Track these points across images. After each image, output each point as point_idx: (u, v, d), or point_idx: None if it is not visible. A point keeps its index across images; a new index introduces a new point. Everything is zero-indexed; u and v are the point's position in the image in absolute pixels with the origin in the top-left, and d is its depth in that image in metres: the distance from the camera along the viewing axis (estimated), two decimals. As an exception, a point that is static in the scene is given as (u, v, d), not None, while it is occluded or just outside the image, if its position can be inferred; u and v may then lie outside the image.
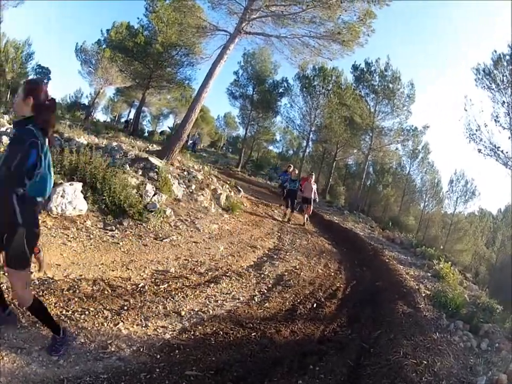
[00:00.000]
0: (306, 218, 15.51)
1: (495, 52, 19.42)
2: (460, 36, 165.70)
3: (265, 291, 6.72)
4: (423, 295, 7.79)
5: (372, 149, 30.56)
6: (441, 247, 20.68)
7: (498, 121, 19.11)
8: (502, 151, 18.92)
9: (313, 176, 16.02)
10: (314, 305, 6.40)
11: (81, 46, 36.39)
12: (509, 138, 18.61)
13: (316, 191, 15.63)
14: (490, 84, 19.49)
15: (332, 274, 8.92)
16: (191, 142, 37.79)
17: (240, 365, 4.00)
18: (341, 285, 8.05)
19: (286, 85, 36.78)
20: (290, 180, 16.17)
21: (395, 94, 29.21)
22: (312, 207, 15.81)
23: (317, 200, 16.37)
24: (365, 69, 30.77)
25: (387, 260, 10.91)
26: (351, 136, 31.15)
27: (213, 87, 15.43)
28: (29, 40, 38.72)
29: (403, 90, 29.34)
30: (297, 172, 16.85)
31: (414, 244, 16.19)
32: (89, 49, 36.29)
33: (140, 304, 4.96)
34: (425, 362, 4.35)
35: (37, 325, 3.80)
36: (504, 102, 18.94)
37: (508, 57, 18.85)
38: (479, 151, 19.61)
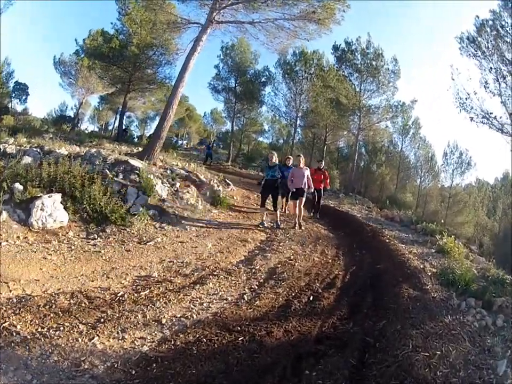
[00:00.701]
0: (297, 221, 11.77)
1: (478, 17, 19.11)
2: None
3: (256, 287, 6.27)
4: (429, 274, 7.31)
5: (361, 129, 30.36)
6: (442, 221, 20.34)
7: (488, 88, 18.82)
8: (495, 117, 18.60)
9: (302, 159, 11.98)
10: (311, 298, 5.89)
11: (59, 58, 36.06)
12: (501, 103, 18.31)
13: (309, 178, 11.81)
14: (476, 51, 19.19)
15: (329, 261, 8.44)
16: (205, 147, 33.94)
17: (224, 376, 3.54)
18: (340, 272, 7.56)
19: (267, 74, 36.78)
20: (267, 167, 11.73)
21: (379, 71, 29.00)
22: (304, 201, 11.99)
23: (327, 188, 15.67)
24: (345, 49, 30.58)
25: (387, 240, 10.50)
26: (338, 118, 30.83)
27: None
28: (8, 59, 38.59)
29: (387, 67, 29.14)
30: (288, 159, 13.35)
31: (414, 220, 15.86)
32: (67, 60, 35.96)
33: (117, 315, 4.62)
34: (438, 353, 3.88)
35: (13, 345, 3.70)
36: (491, 68, 18.67)
37: (490, 22, 18.55)
38: (471, 119, 19.32)
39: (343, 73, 30.83)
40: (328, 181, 15.42)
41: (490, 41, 18.57)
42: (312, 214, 14.66)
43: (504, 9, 17.93)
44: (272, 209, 12.18)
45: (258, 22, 16.28)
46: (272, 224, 11.62)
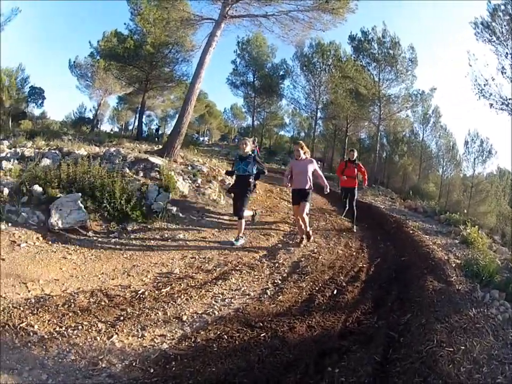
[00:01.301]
0: (304, 232, 8.85)
1: (490, 2, 18.85)
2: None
3: (279, 282, 6.20)
4: (453, 265, 7.22)
5: (382, 119, 30.22)
6: (465, 211, 20.14)
7: (505, 73, 18.58)
8: (514, 103, 18.32)
9: (302, 148, 8.87)
10: (335, 291, 5.80)
11: (74, 61, 36.59)
12: (520, 88, 18.15)
13: (319, 174, 9.01)
14: (491, 36, 19.05)
15: (354, 254, 8.38)
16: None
17: (244, 374, 3.45)
18: (364, 265, 7.47)
19: (285, 67, 36.89)
20: (239, 159, 8.78)
21: (397, 59, 28.89)
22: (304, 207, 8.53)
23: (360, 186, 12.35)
24: (362, 38, 30.53)
25: (411, 231, 10.40)
26: (358, 108, 30.75)
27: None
28: (22, 65, 39.23)
29: (404, 55, 29.04)
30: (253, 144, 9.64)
31: (437, 211, 15.84)
32: (83, 63, 36.45)
33: (137, 313, 4.60)
34: (462, 347, 3.78)
35: (29, 345, 3.68)
36: (507, 53, 18.66)
37: (502, 7, 18.32)
38: (491, 106, 19.18)
39: (361, 63, 30.79)
40: (366, 176, 11.85)
41: (504, 26, 18.38)
42: (351, 224, 11.07)
43: (515, -7, 17.71)
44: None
45: (272, 14, 16.29)
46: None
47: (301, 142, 9.38)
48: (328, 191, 8.65)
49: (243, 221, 8.61)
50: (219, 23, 15.44)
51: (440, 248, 8.92)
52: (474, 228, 10.51)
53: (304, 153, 8.86)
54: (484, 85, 19.06)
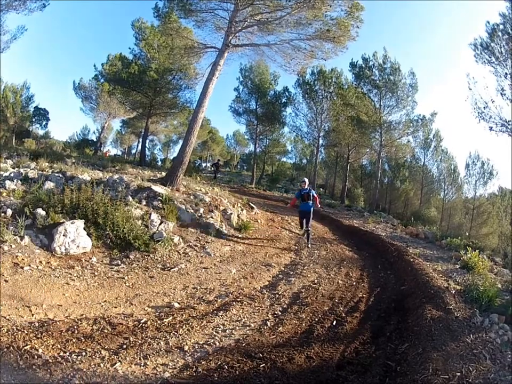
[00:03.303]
0: None
1: (488, 23, 18.88)
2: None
3: (280, 313, 6.24)
4: (453, 292, 7.22)
5: (383, 146, 30.06)
6: (467, 233, 20.16)
7: (505, 94, 18.49)
8: (514, 124, 18.30)
9: None
10: (334, 322, 5.85)
11: (78, 83, 36.90)
12: (519, 109, 18.08)
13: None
14: (490, 57, 18.89)
15: (354, 284, 8.40)
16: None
17: (243, 403, 3.50)
18: (364, 295, 7.52)
19: (287, 94, 36.59)
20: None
21: (397, 85, 28.79)
22: None
23: None
24: (363, 65, 30.45)
25: (411, 259, 10.36)
26: (360, 136, 30.75)
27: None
28: (27, 83, 39.55)
29: (405, 81, 28.93)
30: None
31: (438, 236, 15.81)
32: (87, 85, 36.82)
33: (140, 342, 4.67)
34: (458, 374, 3.84)
35: (34, 367, 3.74)
36: (506, 74, 18.33)
37: (501, 26, 18.33)
38: (491, 129, 18.98)
39: (362, 90, 30.68)
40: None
41: (503, 45, 18.28)
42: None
43: (514, 10, 17.75)
44: None
45: (274, 43, 16.29)
46: None
47: None
48: None
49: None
50: (222, 52, 15.44)
51: (441, 275, 8.98)
52: (475, 252, 10.51)
53: None
54: (484, 107, 19.00)
